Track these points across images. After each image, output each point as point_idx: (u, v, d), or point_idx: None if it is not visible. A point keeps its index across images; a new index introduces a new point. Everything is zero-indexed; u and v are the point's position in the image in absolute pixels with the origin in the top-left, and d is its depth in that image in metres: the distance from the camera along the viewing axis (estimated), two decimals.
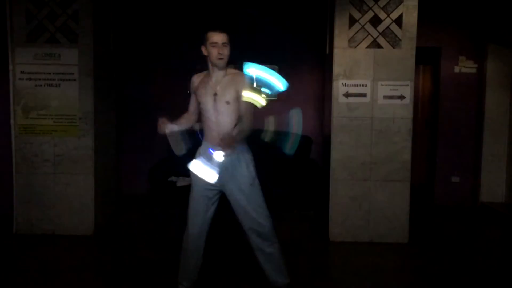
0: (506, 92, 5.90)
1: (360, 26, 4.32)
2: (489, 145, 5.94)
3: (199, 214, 3.05)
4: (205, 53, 2.97)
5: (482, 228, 5.23)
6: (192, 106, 3.17)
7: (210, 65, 3.01)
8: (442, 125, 6.14)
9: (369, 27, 4.32)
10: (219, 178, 2.81)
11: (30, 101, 4.43)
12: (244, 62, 2.84)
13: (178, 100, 6.29)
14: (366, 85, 4.34)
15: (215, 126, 2.98)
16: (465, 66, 6.03)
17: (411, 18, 4.27)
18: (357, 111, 4.36)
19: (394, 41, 4.31)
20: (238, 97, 2.93)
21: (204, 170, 2.75)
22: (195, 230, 3.06)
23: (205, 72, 3.09)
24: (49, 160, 4.46)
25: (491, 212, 5.68)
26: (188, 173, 3.43)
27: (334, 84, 4.37)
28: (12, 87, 4.43)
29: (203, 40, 2.96)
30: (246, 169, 3.01)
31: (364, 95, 4.35)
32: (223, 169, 2.83)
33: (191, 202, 3.08)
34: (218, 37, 2.91)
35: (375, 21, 4.31)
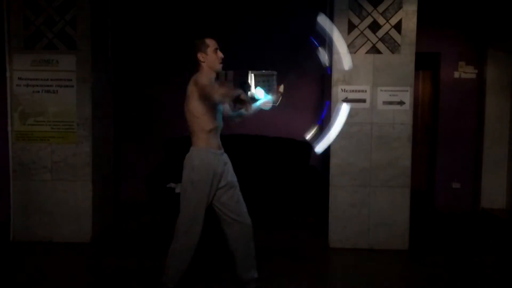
0: (506, 97, 5.88)
1: (359, 32, 4.31)
2: (489, 150, 5.92)
3: (201, 221, 3.03)
4: (203, 60, 3.02)
5: (483, 234, 5.19)
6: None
7: (205, 71, 3.05)
8: (442, 130, 6.12)
9: (368, 32, 4.30)
10: (225, 174, 3.07)
11: (27, 108, 4.41)
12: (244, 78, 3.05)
13: (176, 106, 6.31)
14: (366, 91, 4.32)
15: (218, 130, 3.10)
16: (465, 72, 6.02)
17: (410, 23, 4.26)
18: (356, 116, 4.33)
19: (394, 47, 4.29)
20: None
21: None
22: (196, 239, 3.05)
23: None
24: (46, 166, 4.43)
25: (492, 218, 5.65)
26: None
27: (334, 89, 4.35)
28: (10, 93, 4.40)
29: (199, 47, 3.02)
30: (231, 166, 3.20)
31: (363, 100, 4.33)
32: (225, 164, 3.09)
33: (189, 211, 3.01)
34: (216, 43, 3.05)
35: (374, 26, 4.29)
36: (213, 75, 3.09)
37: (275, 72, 5.60)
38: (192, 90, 2.97)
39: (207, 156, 3.00)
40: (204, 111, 2.97)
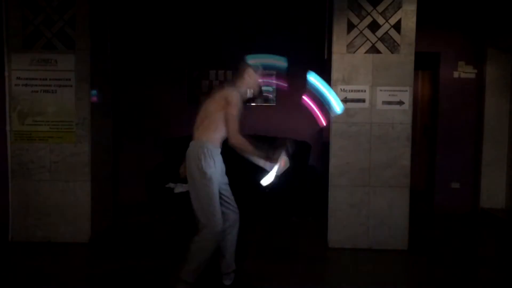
0: (506, 97, 5.88)
1: (359, 32, 4.30)
2: (489, 150, 5.91)
3: (220, 210, 3.18)
4: (248, 77, 3.33)
5: (482, 234, 5.20)
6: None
7: (244, 87, 3.34)
8: (441, 130, 6.11)
9: (367, 32, 4.30)
10: (223, 171, 3.33)
11: (26, 107, 4.40)
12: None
13: (176, 106, 6.31)
14: (365, 91, 4.32)
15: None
16: (465, 71, 6.02)
17: (409, 23, 4.25)
18: (356, 116, 4.33)
19: (393, 47, 4.28)
20: None
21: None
22: (219, 229, 3.14)
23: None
24: (45, 166, 4.41)
25: (491, 218, 5.65)
26: (185, 180, 3.41)
27: (333, 89, 4.34)
28: (8, 93, 4.39)
29: (250, 66, 3.35)
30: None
31: (362, 100, 4.32)
32: (221, 163, 3.31)
33: (208, 203, 3.12)
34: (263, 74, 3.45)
35: (374, 26, 4.29)
36: (247, 93, 3.39)
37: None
38: (220, 103, 3.17)
39: (219, 153, 3.26)
40: (225, 122, 3.20)
